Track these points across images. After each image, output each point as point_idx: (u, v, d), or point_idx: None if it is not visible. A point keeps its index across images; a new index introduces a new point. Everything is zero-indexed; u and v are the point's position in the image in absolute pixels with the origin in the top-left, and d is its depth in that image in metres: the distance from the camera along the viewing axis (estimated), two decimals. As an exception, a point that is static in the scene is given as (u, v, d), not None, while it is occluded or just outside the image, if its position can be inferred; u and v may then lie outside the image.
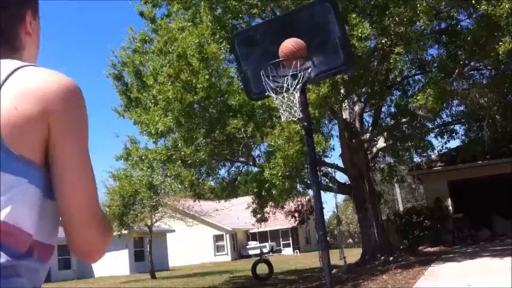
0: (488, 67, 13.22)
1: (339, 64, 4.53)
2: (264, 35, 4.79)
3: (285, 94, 4.40)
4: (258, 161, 13.13)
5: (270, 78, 4.44)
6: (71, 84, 0.92)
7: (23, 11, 1.03)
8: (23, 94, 0.86)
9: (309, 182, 12.16)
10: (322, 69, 4.56)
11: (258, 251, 27.47)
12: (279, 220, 31.33)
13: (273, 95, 4.51)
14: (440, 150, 16.87)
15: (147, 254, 23.93)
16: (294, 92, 4.34)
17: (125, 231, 19.24)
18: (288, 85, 4.32)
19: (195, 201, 18.14)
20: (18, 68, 0.90)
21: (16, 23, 1.01)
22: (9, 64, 0.91)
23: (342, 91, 11.57)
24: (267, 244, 36.29)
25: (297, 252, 36.25)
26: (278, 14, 11.16)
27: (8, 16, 0.99)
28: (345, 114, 14.03)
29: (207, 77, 10.58)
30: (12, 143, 0.83)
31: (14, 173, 0.83)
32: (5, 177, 0.83)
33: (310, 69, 4.30)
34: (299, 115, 4.34)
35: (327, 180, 14.73)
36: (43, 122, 0.86)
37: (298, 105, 4.38)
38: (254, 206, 14.64)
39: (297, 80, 4.26)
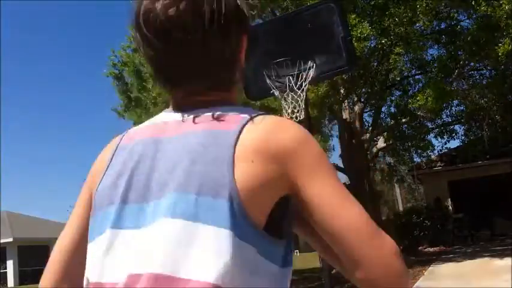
0: (488, 67, 13.24)
1: (341, 64, 4.53)
2: (266, 35, 4.79)
3: (290, 93, 4.40)
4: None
5: (272, 78, 4.45)
6: (310, 137, 0.83)
7: (241, 39, 0.92)
8: (265, 144, 0.79)
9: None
10: (324, 69, 4.57)
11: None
12: (278, 220, 31.30)
13: (278, 94, 4.52)
14: (440, 150, 16.90)
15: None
16: (300, 92, 4.35)
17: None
18: (291, 85, 4.32)
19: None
20: (256, 116, 0.83)
21: (237, 55, 0.91)
22: (245, 113, 0.83)
23: (342, 91, 11.57)
24: (266, 244, 36.30)
25: (297, 252, 36.29)
26: (278, 14, 11.16)
27: (233, 48, 0.90)
28: (345, 114, 14.03)
29: None
30: (251, 210, 0.75)
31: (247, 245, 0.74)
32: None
33: (312, 69, 4.31)
34: (301, 116, 4.35)
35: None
36: (282, 181, 0.78)
37: (302, 105, 4.39)
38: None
39: (299, 80, 4.27)
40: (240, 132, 0.78)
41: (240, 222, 0.73)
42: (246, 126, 0.80)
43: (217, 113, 0.83)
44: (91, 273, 0.82)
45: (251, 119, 0.81)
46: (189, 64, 0.86)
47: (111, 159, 0.89)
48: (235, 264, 0.71)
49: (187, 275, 0.71)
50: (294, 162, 0.78)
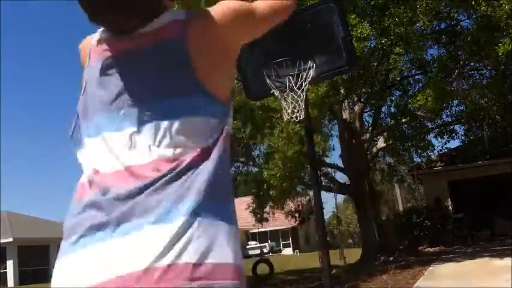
0: (488, 67, 13.24)
1: (341, 64, 4.54)
2: (265, 35, 4.79)
3: (290, 93, 4.40)
4: (257, 161, 13.14)
5: (272, 78, 4.45)
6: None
7: None
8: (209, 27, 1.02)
9: (309, 182, 12.17)
10: (324, 69, 4.57)
11: (258, 251, 27.44)
12: (278, 220, 31.34)
13: (278, 94, 4.52)
14: (440, 150, 16.89)
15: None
16: (300, 92, 4.35)
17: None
18: (291, 85, 4.33)
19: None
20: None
21: None
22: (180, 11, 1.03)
23: (342, 91, 11.58)
24: (267, 244, 36.26)
25: (297, 252, 36.26)
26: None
27: None
28: (345, 114, 14.03)
29: None
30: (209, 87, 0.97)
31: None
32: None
33: (312, 69, 4.31)
34: (301, 116, 4.35)
35: (327, 180, 14.74)
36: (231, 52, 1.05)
37: (302, 105, 4.39)
38: (254, 206, 14.64)
39: (299, 80, 4.27)
40: (188, 19, 1.00)
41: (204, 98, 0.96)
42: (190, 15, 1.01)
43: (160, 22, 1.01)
44: (99, 164, 0.95)
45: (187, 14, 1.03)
46: None
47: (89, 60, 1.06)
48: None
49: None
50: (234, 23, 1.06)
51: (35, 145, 72.26)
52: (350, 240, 42.63)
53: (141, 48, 0.99)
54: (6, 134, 61.02)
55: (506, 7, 9.00)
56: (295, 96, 4.50)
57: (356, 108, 14.46)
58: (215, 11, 1.02)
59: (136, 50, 0.99)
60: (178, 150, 0.91)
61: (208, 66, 0.98)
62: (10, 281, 27.34)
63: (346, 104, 13.84)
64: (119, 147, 0.93)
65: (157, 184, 0.88)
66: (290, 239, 38.17)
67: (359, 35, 9.51)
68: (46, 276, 28.66)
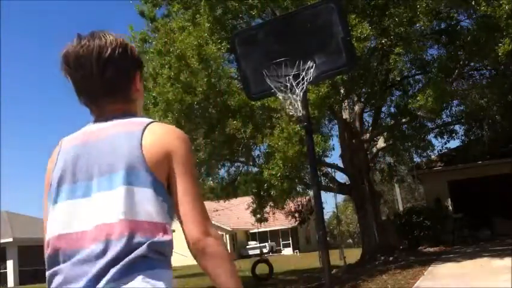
0: (488, 67, 13.23)
1: (341, 64, 4.53)
2: (265, 35, 4.78)
3: (289, 94, 4.40)
4: (257, 161, 13.13)
5: (272, 77, 4.44)
6: (186, 137, 1.37)
7: (135, 73, 1.44)
8: (154, 142, 1.29)
9: (309, 182, 12.16)
10: (323, 69, 4.56)
11: (258, 251, 27.46)
12: (279, 220, 31.30)
13: (278, 93, 4.52)
14: (440, 150, 16.88)
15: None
16: (299, 92, 4.35)
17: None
18: (290, 85, 4.32)
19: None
20: (150, 123, 1.33)
21: (130, 82, 1.42)
22: (142, 120, 1.35)
23: (342, 91, 11.57)
24: (267, 244, 36.28)
25: (297, 252, 36.25)
26: (278, 14, 11.16)
27: (126, 77, 1.40)
28: (345, 114, 14.02)
29: (205, 79, 10.57)
30: (153, 170, 1.26)
31: (150, 187, 1.26)
32: (146, 190, 1.25)
33: (312, 69, 4.31)
34: (303, 114, 4.35)
35: (327, 180, 14.73)
36: (167, 159, 1.29)
37: (302, 105, 4.39)
38: (254, 206, 14.63)
39: (298, 80, 4.27)
40: (143, 132, 1.29)
41: (153, 182, 1.26)
42: (147, 128, 1.31)
43: (125, 121, 1.34)
44: (55, 228, 1.26)
45: (148, 124, 1.32)
46: (96, 86, 1.35)
47: (57, 159, 1.34)
48: (153, 208, 1.25)
49: (139, 216, 1.22)
50: (174, 157, 1.30)
51: (35, 145, 72.31)
52: (350, 240, 42.61)
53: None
54: (6, 133, 61.03)
55: (506, 7, 9.00)
56: (295, 96, 4.50)
57: (356, 108, 14.45)
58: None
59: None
60: None
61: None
62: (10, 281, 27.35)
63: (346, 104, 13.83)
64: None
65: None
66: (290, 239, 38.16)
67: (359, 35, 9.50)
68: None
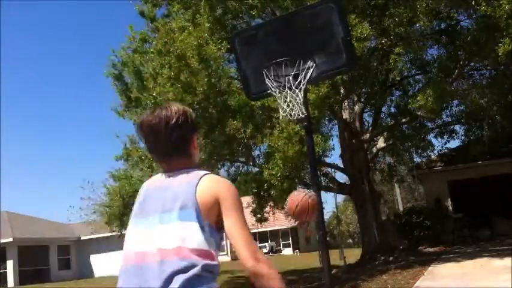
0: (488, 67, 13.22)
1: (341, 64, 4.53)
2: (265, 35, 4.78)
3: (288, 92, 4.39)
4: (257, 161, 13.12)
5: (272, 77, 4.44)
6: (231, 185, 1.74)
7: (192, 135, 1.86)
8: (206, 189, 1.69)
9: (309, 182, 12.16)
10: (323, 69, 4.56)
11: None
12: (279, 220, 31.30)
13: (277, 93, 4.51)
14: (440, 150, 16.88)
15: (147, 254, 23.83)
16: (298, 91, 4.34)
17: (125, 232, 19.14)
18: (290, 85, 4.32)
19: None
20: (204, 175, 1.73)
21: (190, 143, 1.84)
22: (199, 173, 1.75)
23: (342, 91, 11.57)
24: (267, 244, 36.27)
25: (297, 252, 36.24)
26: (278, 14, 11.16)
27: (186, 139, 1.82)
28: (345, 114, 14.02)
29: (205, 79, 10.56)
30: (202, 211, 1.67)
31: (197, 222, 1.66)
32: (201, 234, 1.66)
33: (312, 69, 4.30)
34: (303, 113, 4.34)
35: (327, 180, 14.73)
36: (217, 203, 1.68)
37: (301, 105, 4.38)
38: (254, 206, 14.63)
39: (298, 80, 4.26)
40: (198, 182, 1.71)
41: (200, 220, 1.66)
42: (201, 179, 1.72)
43: (185, 174, 1.76)
44: (133, 246, 1.73)
45: (203, 176, 1.73)
46: (165, 147, 1.79)
47: (141, 194, 1.85)
48: (201, 238, 1.65)
49: (189, 244, 1.63)
50: (222, 200, 1.69)
51: (35, 144, 72.24)
52: (350, 240, 42.61)
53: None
54: (6, 133, 61.02)
55: (506, 7, 8.99)
56: (295, 96, 4.50)
57: (356, 108, 14.45)
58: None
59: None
60: None
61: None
62: (10, 281, 27.34)
63: (346, 104, 13.83)
64: None
65: None
66: (290, 239, 38.15)
67: (359, 35, 9.50)
68: (46, 276, 28.71)
